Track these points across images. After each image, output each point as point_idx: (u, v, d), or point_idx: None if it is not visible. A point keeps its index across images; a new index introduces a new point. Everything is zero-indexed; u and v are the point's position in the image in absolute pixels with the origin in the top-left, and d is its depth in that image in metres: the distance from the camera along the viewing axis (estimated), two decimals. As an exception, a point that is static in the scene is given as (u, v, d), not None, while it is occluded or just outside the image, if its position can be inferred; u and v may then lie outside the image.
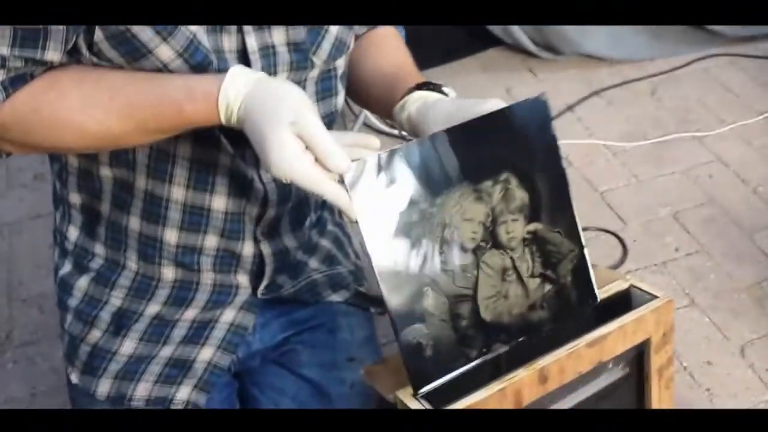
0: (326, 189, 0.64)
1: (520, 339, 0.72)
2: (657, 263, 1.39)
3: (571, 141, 1.63)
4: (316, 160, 0.64)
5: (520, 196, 0.70)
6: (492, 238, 0.69)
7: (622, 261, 1.39)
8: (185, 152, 0.76)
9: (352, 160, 0.64)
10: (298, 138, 0.64)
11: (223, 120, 0.68)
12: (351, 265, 0.95)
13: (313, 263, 0.92)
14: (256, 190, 0.80)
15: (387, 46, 0.88)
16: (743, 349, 1.23)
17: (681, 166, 1.59)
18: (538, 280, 0.73)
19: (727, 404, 1.15)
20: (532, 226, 0.72)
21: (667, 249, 1.41)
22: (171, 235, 0.80)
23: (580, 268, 0.75)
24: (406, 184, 0.66)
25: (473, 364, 0.70)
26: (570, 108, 1.77)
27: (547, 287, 0.73)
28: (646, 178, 1.58)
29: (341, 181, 0.64)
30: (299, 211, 0.86)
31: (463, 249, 0.68)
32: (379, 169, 0.65)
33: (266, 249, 0.84)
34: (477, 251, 0.69)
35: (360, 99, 0.91)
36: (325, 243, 0.95)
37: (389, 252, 0.65)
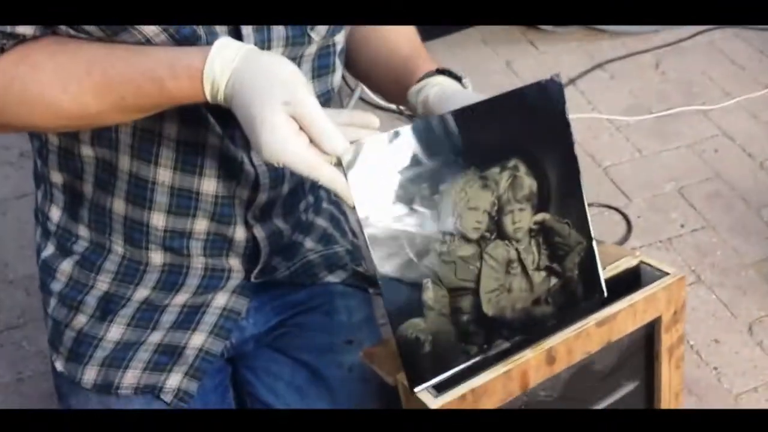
0: (322, 173, 0.59)
1: (523, 335, 0.68)
2: (662, 240, 1.36)
3: (574, 115, 1.55)
4: (311, 141, 0.59)
5: (529, 184, 0.66)
6: (497, 229, 0.65)
7: (626, 238, 1.36)
8: (171, 132, 0.72)
9: (350, 142, 0.59)
10: (291, 118, 0.59)
11: (208, 97, 0.63)
12: (348, 243, 0.91)
13: (309, 243, 0.88)
14: (246, 174, 0.75)
15: (398, 28, 0.82)
16: (751, 326, 1.20)
17: (686, 141, 1.56)
18: (543, 274, 0.69)
19: (734, 383, 1.12)
20: (540, 217, 0.68)
21: (672, 225, 1.38)
22: (158, 220, 0.76)
23: (588, 262, 0.71)
24: (407, 168, 0.61)
25: (473, 361, 0.66)
26: (572, 81, 1.72)
27: (553, 281, 0.70)
28: (650, 152, 1.54)
29: (338, 164, 0.59)
30: (294, 195, 0.82)
31: (467, 239, 0.64)
32: (379, 151, 0.60)
33: (259, 233, 0.80)
34: (481, 242, 0.65)
35: (362, 75, 0.85)
36: (321, 222, 0.91)
37: (388, 241, 0.61)
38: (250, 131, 0.60)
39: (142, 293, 0.80)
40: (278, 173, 0.78)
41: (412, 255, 0.62)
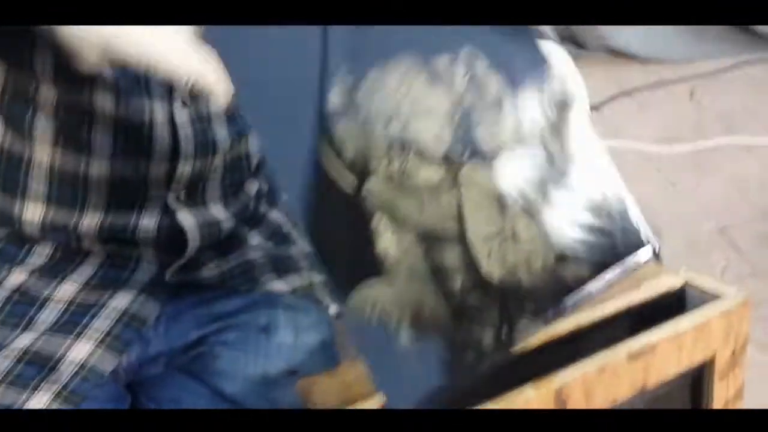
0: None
1: (556, 310, 0.45)
2: (701, 284, 1.16)
3: (596, 142, 1.43)
4: None
5: (496, 84, 0.46)
6: (472, 144, 0.44)
7: (657, 279, 1.17)
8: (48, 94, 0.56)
9: None
10: None
11: None
12: (309, 247, 0.72)
13: (255, 239, 0.69)
14: (156, 134, 0.58)
15: None
16: (815, 395, 0.98)
17: (727, 176, 1.39)
18: None
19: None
20: None
21: (712, 270, 1.19)
22: (34, 211, 0.59)
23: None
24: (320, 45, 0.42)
25: (493, 362, 0.42)
26: (595, 108, 1.57)
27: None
28: (685, 187, 1.38)
29: None
30: (235, 171, 0.64)
31: (426, 157, 0.43)
32: None
33: (188, 221, 0.62)
34: (449, 162, 0.44)
35: None
36: (276, 216, 0.72)
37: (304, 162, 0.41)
38: None
39: (17, 278, 0.61)
40: (206, 136, 0.60)
41: (344, 170, 0.41)
